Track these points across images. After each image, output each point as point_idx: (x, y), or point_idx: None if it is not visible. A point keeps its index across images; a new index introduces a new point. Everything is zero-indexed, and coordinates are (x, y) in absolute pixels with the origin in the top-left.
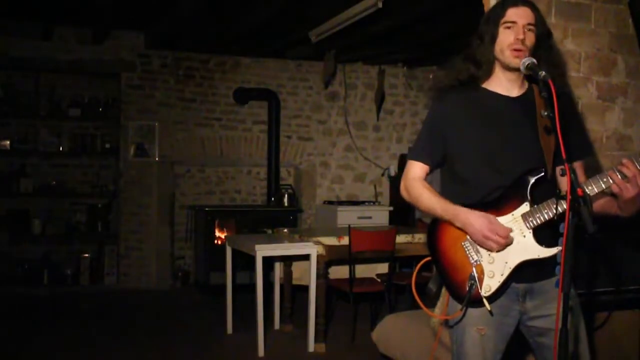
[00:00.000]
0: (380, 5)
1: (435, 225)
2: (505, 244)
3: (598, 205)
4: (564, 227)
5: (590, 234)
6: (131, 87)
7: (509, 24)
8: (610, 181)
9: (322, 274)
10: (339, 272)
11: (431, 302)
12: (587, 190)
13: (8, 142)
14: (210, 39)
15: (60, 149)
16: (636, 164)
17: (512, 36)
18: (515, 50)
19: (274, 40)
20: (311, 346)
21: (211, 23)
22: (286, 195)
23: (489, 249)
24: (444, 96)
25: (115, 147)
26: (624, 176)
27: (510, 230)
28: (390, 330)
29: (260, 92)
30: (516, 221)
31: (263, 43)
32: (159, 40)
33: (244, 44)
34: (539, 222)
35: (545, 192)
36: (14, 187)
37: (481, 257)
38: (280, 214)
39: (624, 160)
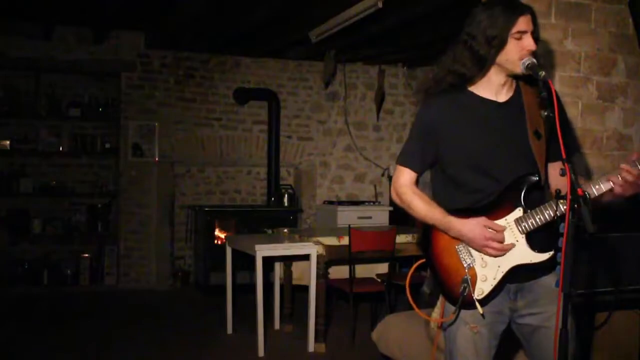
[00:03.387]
0: (380, 5)
1: (429, 229)
2: (506, 247)
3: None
4: (564, 227)
5: (590, 234)
6: (131, 87)
7: (519, 35)
8: (611, 184)
9: (322, 274)
10: (339, 272)
11: (427, 304)
12: (594, 189)
13: (8, 142)
14: (210, 39)
15: (60, 149)
16: (638, 165)
17: (522, 46)
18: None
19: (274, 40)
20: (311, 346)
21: (211, 23)
22: (286, 195)
23: (492, 256)
24: (432, 101)
25: (115, 147)
26: (625, 181)
27: (504, 228)
28: (390, 330)
29: (260, 92)
30: (509, 226)
31: (263, 43)
32: (159, 40)
33: (244, 44)
34: (532, 227)
35: (538, 197)
36: (14, 187)
37: (474, 260)
38: (280, 214)
39: (623, 166)
